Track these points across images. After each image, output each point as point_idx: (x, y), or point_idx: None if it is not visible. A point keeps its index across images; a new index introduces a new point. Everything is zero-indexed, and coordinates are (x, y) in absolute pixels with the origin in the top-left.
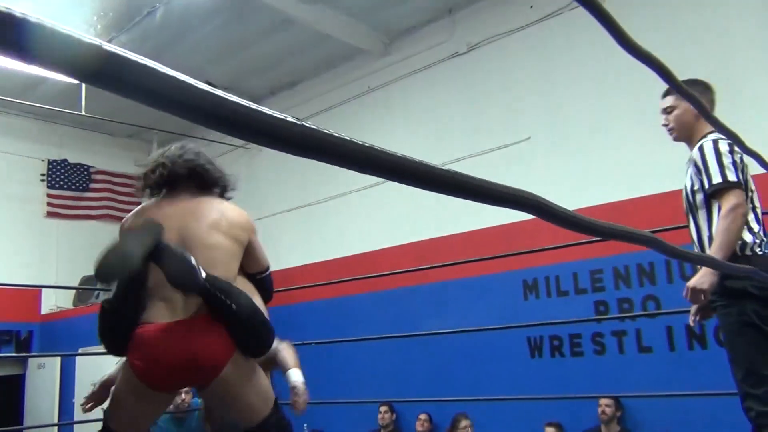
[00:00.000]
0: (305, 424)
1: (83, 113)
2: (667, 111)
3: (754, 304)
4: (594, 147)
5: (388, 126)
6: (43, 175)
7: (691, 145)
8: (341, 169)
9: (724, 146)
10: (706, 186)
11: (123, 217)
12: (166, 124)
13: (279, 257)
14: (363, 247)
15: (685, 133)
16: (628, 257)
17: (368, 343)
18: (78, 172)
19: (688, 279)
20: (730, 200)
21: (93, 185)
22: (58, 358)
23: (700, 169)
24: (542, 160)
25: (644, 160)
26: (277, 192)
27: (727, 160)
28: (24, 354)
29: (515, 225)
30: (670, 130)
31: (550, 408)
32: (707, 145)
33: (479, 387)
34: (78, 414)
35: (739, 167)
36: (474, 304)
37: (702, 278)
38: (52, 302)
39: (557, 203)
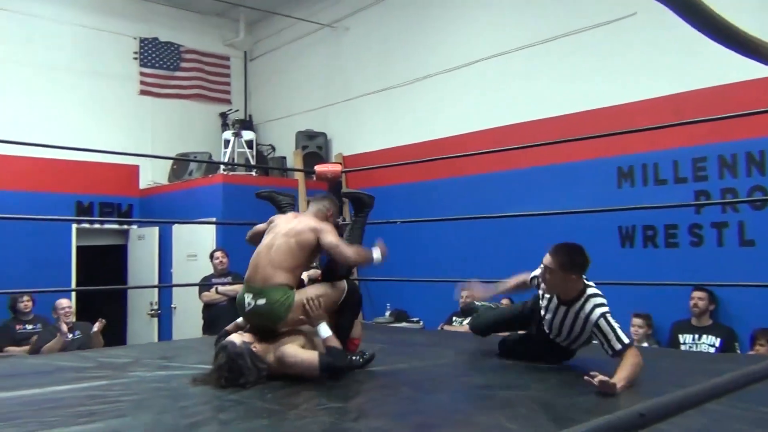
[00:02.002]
0: (387, 304)
1: None
2: (545, 270)
3: None
4: None
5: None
6: (135, 53)
7: (563, 294)
8: (426, 50)
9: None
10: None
11: (213, 97)
12: (254, 1)
13: (362, 140)
14: (448, 130)
15: (555, 291)
16: (737, 145)
17: (452, 226)
18: (168, 51)
19: None
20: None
21: (183, 64)
22: (156, 230)
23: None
24: (648, 37)
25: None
26: (362, 73)
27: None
28: (126, 219)
29: (611, 109)
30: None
31: (639, 298)
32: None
33: None
34: (175, 280)
35: None
36: (563, 192)
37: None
38: (149, 178)
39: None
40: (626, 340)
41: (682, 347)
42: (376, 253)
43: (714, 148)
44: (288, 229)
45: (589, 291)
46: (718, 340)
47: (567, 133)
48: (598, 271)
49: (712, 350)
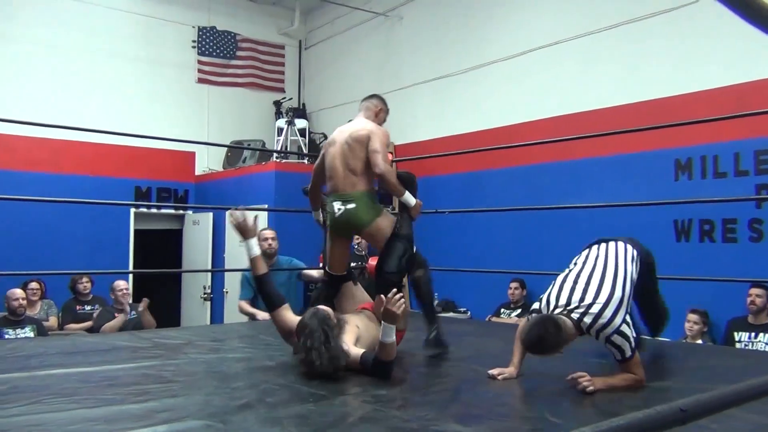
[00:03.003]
0: (435, 293)
1: None
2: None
3: None
4: None
5: None
6: (194, 41)
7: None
8: (479, 39)
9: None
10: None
11: (267, 86)
12: None
13: (414, 129)
14: (500, 121)
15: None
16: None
17: (502, 217)
18: (225, 40)
19: None
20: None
21: (239, 53)
22: (210, 216)
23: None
24: (710, 24)
25: None
26: (415, 62)
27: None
28: (181, 205)
29: (670, 99)
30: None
31: (695, 294)
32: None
33: None
34: (228, 265)
35: None
36: (618, 185)
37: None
38: (204, 165)
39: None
40: (628, 353)
41: (738, 345)
42: (410, 197)
43: None
44: (346, 135)
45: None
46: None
47: (623, 124)
48: None
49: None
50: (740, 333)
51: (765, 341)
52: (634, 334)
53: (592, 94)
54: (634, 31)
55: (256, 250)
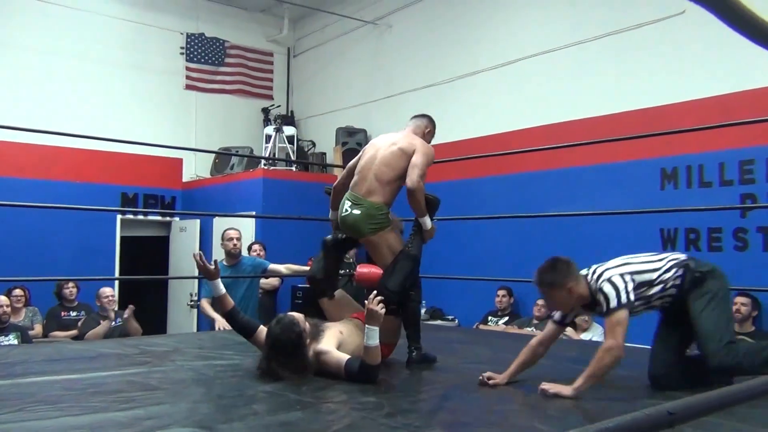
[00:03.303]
0: (423, 301)
1: None
2: (547, 297)
3: None
4: None
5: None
6: (182, 48)
7: (583, 302)
8: (469, 48)
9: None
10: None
11: (255, 93)
12: None
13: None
14: (489, 129)
15: (573, 309)
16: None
17: (490, 225)
18: (214, 47)
19: None
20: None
21: (228, 60)
22: (198, 222)
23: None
24: (697, 35)
25: None
26: (405, 70)
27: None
28: (168, 212)
29: (657, 109)
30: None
31: None
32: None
33: None
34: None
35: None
36: (605, 193)
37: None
38: (192, 171)
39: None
40: (613, 303)
41: None
42: (428, 220)
43: (762, 150)
44: (391, 142)
45: (591, 273)
46: None
47: (611, 132)
48: None
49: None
50: None
51: None
52: (630, 296)
53: (580, 104)
54: (622, 41)
55: (221, 289)
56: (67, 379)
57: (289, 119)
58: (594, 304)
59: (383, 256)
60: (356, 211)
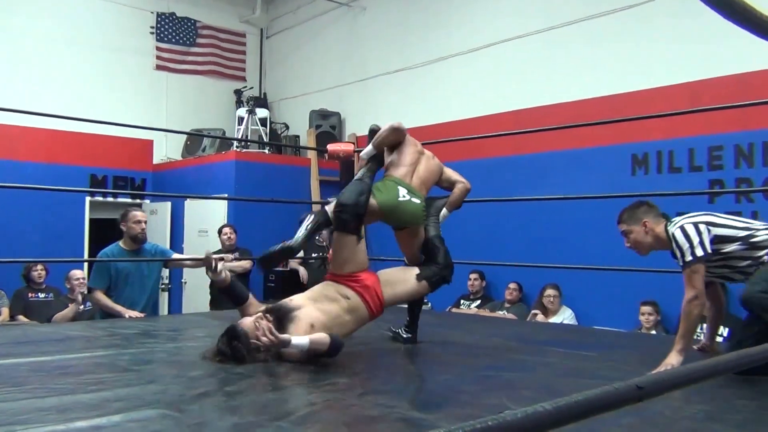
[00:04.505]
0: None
1: None
2: (625, 235)
3: None
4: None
5: None
6: (152, 27)
7: (662, 247)
8: (443, 32)
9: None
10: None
11: (228, 74)
12: None
13: (377, 120)
14: (462, 113)
15: (649, 250)
16: (755, 134)
17: (463, 209)
18: (185, 27)
19: None
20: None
21: (199, 40)
22: (169, 205)
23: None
24: (668, 23)
25: None
26: (378, 54)
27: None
28: (140, 192)
29: (628, 95)
30: (636, 250)
31: (647, 286)
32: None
33: (575, 260)
34: (187, 255)
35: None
36: (577, 178)
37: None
38: (162, 153)
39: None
40: (687, 257)
41: None
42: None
43: (731, 137)
44: (431, 154)
45: (674, 220)
46: (727, 329)
47: (583, 118)
48: (608, 258)
49: (720, 339)
50: None
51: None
52: (705, 248)
53: (552, 89)
54: (593, 27)
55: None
56: (34, 362)
57: (261, 101)
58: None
59: (413, 244)
60: (417, 201)
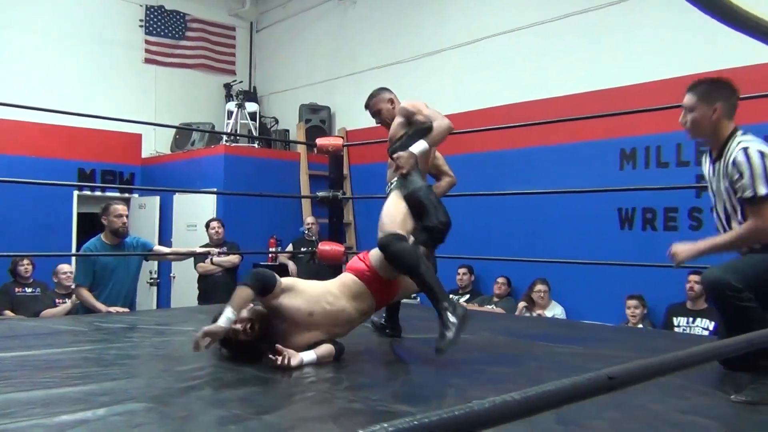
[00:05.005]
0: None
1: None
2: (686, 109)
3: None
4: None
5: None
6: (141, 20)
7: (711, 143)
8: (433, 26)
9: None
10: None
11: (217, 68)
12: None
13: (366, 114)
14: (453, 107)
15: (701, 136)
16: (743, 129)
17: (450, 203)
18: (174, 20)
19: None
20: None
21: (188, 34)
22: (157, 199)
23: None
24: (659, 17)
25: None
26: (368, 48)
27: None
28: (129, 186)
29: (618, 90)
30: (687, 130)
31: (635, 281)
32: (753, 153)
33: (563, 255)
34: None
35: None
36: (565, 173)
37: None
38: (151, 147)
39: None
40: (763, 191)
41: (676, 329)
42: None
43: None
44: None
45: (742, 135)
46: (712, 323)
47: (573, 113)
48: (595, 252)
49: (705, 333)
50: (679, 318)
51: (702, 326)
52: None
53: (543, 84)
54: (584, 21)
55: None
56: (20, 356)
57: (251, 95)
58: (721, 152)
59: None
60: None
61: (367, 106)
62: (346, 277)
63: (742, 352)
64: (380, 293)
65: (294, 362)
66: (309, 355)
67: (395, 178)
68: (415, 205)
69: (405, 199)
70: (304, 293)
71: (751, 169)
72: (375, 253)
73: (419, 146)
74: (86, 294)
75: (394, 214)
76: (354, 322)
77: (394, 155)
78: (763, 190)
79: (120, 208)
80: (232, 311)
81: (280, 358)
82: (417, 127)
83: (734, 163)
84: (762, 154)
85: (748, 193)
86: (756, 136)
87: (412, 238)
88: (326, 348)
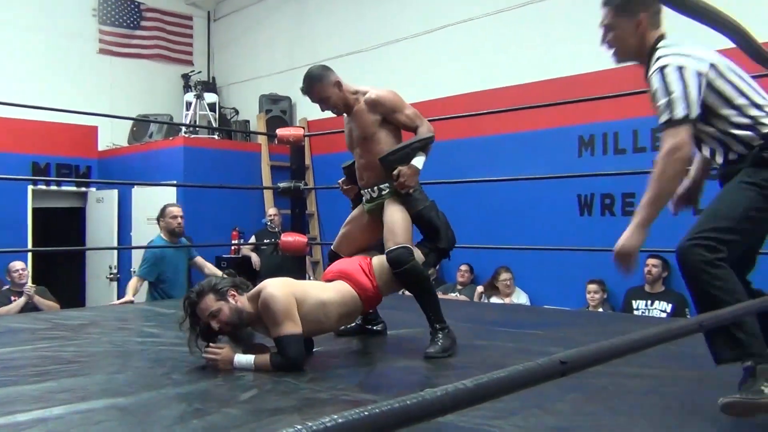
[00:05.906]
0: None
1: None
2: (606, 28)
3: None
4: None
5: None
6: (94, 9)
7: (643, 62)
8: (394, 14)
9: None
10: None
11: (175, 58)
12: None
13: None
14: (415, 96)
15: (629, 57)
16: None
17: None
18: (128, 8)
19: None
20: (668, 141)
21: (144, 23)
22: (115, 193)
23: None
24: None
25: None
26: (328, 37)
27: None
28: (85, 180)
29: (576, 78)
30: (612, 54)
31: (594, 265)
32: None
33: (524, 241)
34: (135, 243)
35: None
36: (526, 160)
37: (629, 238)
38: (108, 140)
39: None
40: (679, 113)
41: (635, 312)
42: None
43: None
44: None
45: (664, 43)
46: (670, 305)
47: (532, 100)
48: (556, 239)
49: (663, 315)
50: (638, 301)
51: (660, 308)
52: (691, 108)
53: (504, 72)
54: (543, 9)
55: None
56: None
57: (210, 86)
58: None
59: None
60: None
61: (307, 92)
62: (347, 293)
63: (694, 333)
64: (368, 308)
65: (221, 365)
66: (245, 359)
67: (386, 184)
68: (425, 225)
69: (413, 217)
70: (303, 306)
71: (666, 89)
72: (381, 269)
73: (422, 161)
74: (133, 282)
75: (405, 227)
76: (330, 330)
77: (396, 170)
78: (680, 112)
79: (174, 209)
80: (252, 366)
81: (211, 355)
82: (421, 138)
83: (650, 84)
84: (680, 69)
85: (665, 116)
86: (681, 44)
87: (417, 252)
88: (264, 359)
